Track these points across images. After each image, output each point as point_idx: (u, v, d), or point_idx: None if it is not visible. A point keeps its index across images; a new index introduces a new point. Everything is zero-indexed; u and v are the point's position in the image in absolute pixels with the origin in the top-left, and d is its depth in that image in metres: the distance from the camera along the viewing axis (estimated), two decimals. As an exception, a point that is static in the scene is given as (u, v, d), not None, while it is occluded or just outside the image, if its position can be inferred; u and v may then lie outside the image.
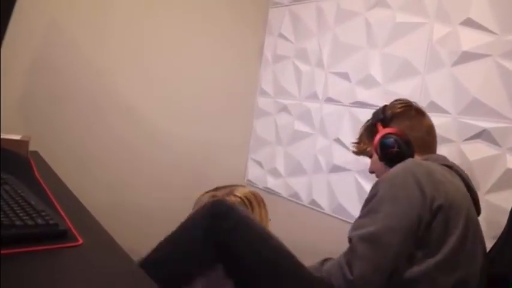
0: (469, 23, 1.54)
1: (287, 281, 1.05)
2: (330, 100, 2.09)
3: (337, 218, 1.99)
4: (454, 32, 1.59)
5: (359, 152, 1.40)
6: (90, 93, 1.98)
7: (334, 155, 2.04)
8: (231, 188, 1.65)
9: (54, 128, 1.90)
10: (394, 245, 0.99)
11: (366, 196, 1.86)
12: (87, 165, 2.01)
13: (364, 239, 1.02)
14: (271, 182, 2.42)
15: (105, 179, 2.08)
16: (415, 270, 1.00)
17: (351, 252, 1.03)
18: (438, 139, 1.32)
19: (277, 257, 1.06)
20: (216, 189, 1.68)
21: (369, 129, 1.33)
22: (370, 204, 1.07)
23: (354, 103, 1.96)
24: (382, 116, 1.27)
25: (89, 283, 0.61)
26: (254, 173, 2.55)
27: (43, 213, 0.76)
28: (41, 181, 1.15)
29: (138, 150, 2.16)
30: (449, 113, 1.58)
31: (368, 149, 1.34)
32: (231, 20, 2.41)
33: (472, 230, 1.05)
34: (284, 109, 2.38)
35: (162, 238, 1.21)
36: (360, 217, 1.09)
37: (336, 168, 2.03)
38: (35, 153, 1.57)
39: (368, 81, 1.90)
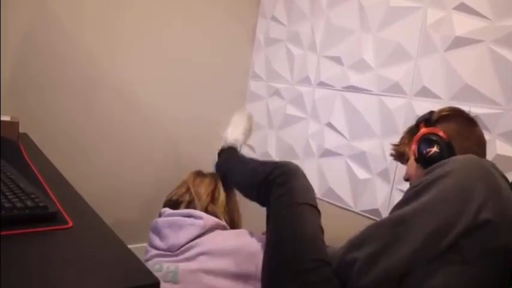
0: (462, 8, 1.54)
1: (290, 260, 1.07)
2: (322, 84, 2.09)
3: (327, 202, 2.00)
4: (447, 16, 1.58)
5: (396, 155, 1.25)
6: (81, 74, 1.95)
7: (325, 139, 2.05)
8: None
9: (43, 109, 1.87)
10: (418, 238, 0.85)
11: (356, 180, 1.88)
12: (78, 147, 2.00)
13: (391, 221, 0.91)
14: (263, 166, 2.41)
15: (96, 162, 2.07)
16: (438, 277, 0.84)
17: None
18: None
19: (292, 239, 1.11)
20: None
21: (411, 131, 1.19)
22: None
23: (346, 87, 1.96)
24: (427, 117, 1.13)
25: (78, 265, 0.61)
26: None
27: (33, 196, 0.75)
28: (31, 163, 1.14)
29: (129, 132, 2.15)
30: (441, 98, 1.58)
31: (406, 150, 1.19)
32: (224, 2, 2.38)
33: None
34: (276, 93, 2.37)
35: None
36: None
37: (327, 153, 2.04)
38: (24, 135, 1.56)
39: (361, 66, 1.90)
